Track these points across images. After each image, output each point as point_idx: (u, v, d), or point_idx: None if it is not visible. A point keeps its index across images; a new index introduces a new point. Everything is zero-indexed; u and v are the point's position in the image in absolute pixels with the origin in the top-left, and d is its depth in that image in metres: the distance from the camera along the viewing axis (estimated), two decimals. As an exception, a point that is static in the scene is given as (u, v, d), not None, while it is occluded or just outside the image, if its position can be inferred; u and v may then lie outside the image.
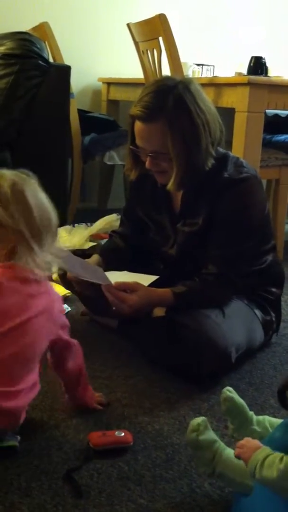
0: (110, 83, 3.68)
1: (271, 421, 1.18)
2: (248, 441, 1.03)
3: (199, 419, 1.14)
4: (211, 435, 1.14)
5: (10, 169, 1.29)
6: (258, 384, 1.66)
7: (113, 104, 3.73)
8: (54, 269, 2.30)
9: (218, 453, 1.12)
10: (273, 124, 3.27)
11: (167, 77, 1.79)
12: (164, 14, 2.50)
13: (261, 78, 2.60)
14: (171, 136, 1.59)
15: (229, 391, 1.18)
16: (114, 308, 1.67)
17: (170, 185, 1.65)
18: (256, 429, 1.16)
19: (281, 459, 0.95)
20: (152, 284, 1.71)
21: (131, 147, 1.70)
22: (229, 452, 1.12)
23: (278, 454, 0.96)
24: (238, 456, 1.02)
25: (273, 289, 1.86)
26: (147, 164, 1.66)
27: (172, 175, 1.64)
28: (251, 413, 1.18)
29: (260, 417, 1.19)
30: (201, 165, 1.64)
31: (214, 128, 1.64)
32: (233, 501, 1.14)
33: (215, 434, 1.15)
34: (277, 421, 1.15)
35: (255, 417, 1.18)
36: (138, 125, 1.63)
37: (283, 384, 1.01)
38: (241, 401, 1.18)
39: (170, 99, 1.58)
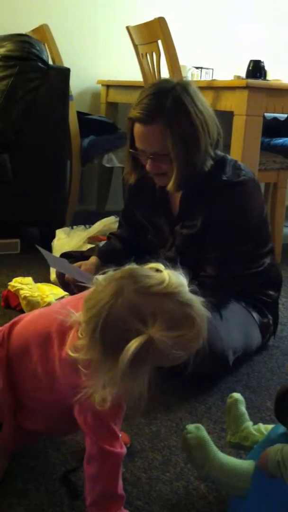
0: (109, 86, 3.69)
1: (266, 427, 1.20)
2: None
3: (193, 425, 1.15)
4: (202, 436, 1.14)
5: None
6: (255, 387, 1.67)
7: (112, 106, 3.74)
8: (53, 270, 2.33)
9: (211, 456, 1.11)
10: (272, 128, 3.28)
11: (164, 80, 1.79)
12: (163, 18, 2.50)
13: (259, 82, 2.60)
14: (170, 137, 1.59)
15: (237, 397, 1.23)
16: None
17: (170, 186, 1.66)
18: (252, 432, 1.18)
19: None
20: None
21: (130, 150, 1.71)
22: (223, 456, 1.12)
23: None
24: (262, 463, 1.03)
25: (271, 292, 1.86)
26: (147, 166, 1.66)
27: (172, 176, 1.64)
28: (250, 422, 1.22)
29: (255, 425, 1.22)
30: (200, 166, 1.64)
31: (212, 129, 1.65)
32: (228, 503, 1.14)
33: (210, 437, 1.15)
34: (271, 426, 1.17)
35: (252, 424, 1.22)
36: (137, 127, 1.64)
37: (282, 392, 1.01)
38: (243, 409, 1.22)
39: (169, 101, 1.59)
